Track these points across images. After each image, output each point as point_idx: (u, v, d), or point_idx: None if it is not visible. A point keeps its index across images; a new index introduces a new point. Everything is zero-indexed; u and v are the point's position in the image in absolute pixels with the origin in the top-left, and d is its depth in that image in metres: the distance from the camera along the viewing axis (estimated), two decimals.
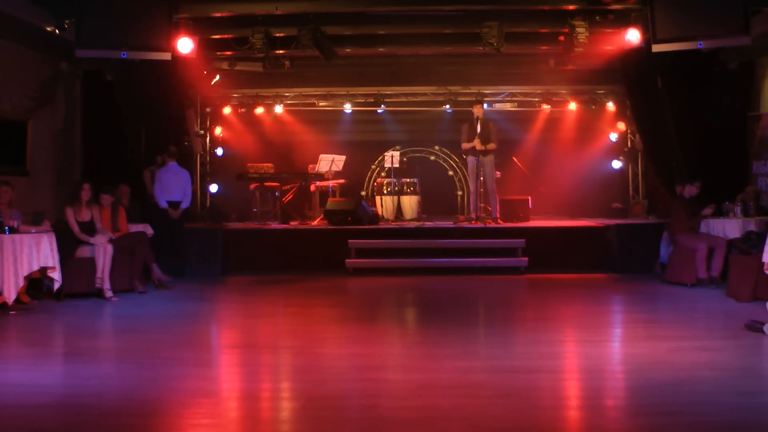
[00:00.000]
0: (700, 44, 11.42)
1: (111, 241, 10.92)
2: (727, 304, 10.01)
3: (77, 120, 14.49)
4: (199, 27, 12.73)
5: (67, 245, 10.59)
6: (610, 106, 17.84)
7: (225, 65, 15.23)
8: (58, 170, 13.89)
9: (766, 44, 12.79)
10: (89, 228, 10.90)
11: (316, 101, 18.19)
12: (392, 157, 16.34)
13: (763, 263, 9.40)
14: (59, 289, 10.31)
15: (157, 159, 13.59)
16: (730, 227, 11.60)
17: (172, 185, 12.83)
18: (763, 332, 7.79)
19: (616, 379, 6.56)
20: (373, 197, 16.96)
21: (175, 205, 12.83)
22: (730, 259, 10.86)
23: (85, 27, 11.56)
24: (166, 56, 11.83)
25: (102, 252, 10.69)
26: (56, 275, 10.09)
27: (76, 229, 10.80)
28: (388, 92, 17.56)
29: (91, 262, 10.72)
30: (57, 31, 11.72)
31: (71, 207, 10.87)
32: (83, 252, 10.83)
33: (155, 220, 12.63)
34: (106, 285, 10.69)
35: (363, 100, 18.02)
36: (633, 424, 5.25)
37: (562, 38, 12.97)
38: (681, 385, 5.96)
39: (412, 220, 15.78)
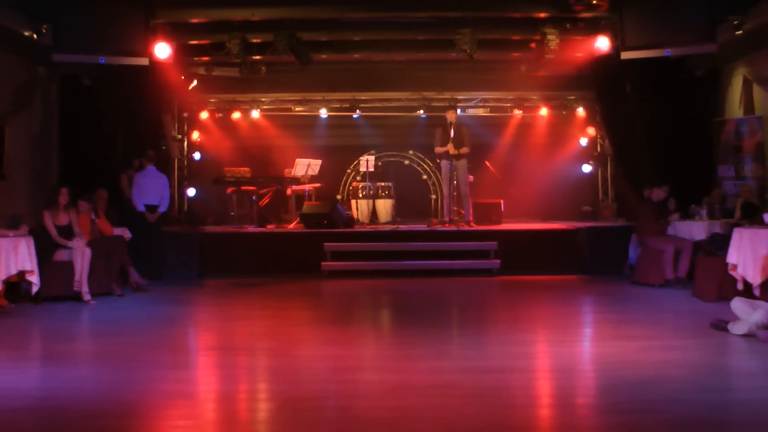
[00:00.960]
0: (668, 52, 11.54)
1: (89, 244, 10.84)
2: (693, 304, 10.09)
3: (54, 124, 14.35)
4: (176, 32, 12.68)
5: (44, 249, 10.50)
6: (581, 111, 17.96)
7: (202, 70, 15.16)
8: (35, 174, 13.74)
9: (732, 52, 12.91)
10: (67, 232, 10.80)
11: (292, 106, 18.17)
12: (367, 162, 16.36)
13: (727, 264, 9.55)
14: (37, 293, 10.22)
15: (134, 163, 13.52)
16: (696, 229, 11.69)
17: (149, 189, 12.77)
18: (728, 331, 7.85)
19: (587, 378, 6.58)
20: (349, 201, 16.96)
21: (152, 208, 12.77)
22: (696, 261, 10.96)
23: (62, 32, 11.49)
24: (144, 61, 11.78)
25: (80, 255, 10.61)
26: (34, 279, 10.02)
27: (53, 233, 10.70)
28: (363, 97, 17.57)
29: (69, 266, 10.62)
30: (34, 35, 11.59)
31: (49, 211, 10.77)
32: (61, 255, 10.73)
33: (133, 223, 12.56)
34: (84, 288, 10.61)
35: (338, 105, 18.04)
36: (603, 422, 5.28)
37: (533, 45, 13.05)
38: (650, 383, 5.99)
39: (386, 223, 15.79)
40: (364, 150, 17.86)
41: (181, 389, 6.18)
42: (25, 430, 5.21)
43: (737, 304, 7.98)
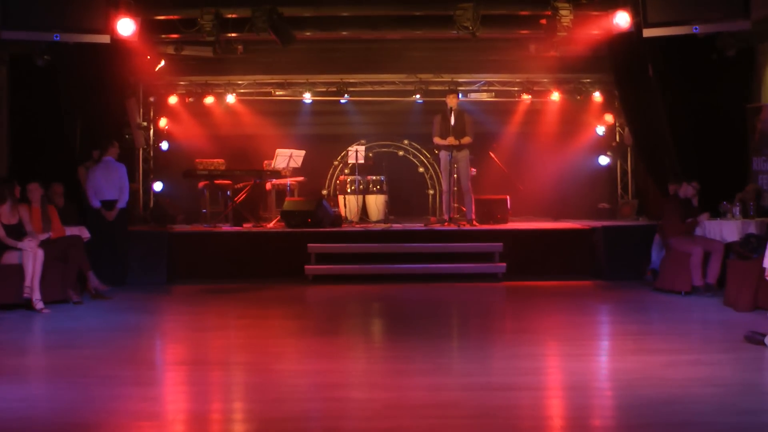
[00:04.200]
0: (696, 29, 11.52)
1: (42, 245, 10.78)
2: (724, 314, 10.11)
3: (4, 110, 14.29)
4: (141, 7, 12.64)
5: None
6: (597, 96, 17.96)
7: (171, 50, 15.11)
8: None
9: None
10: (17, 231, 10.73)
11: (272, 90, 18.14)
12: (357, 153, 16.34)
13: (763, 269, 9.52)
14: None
15: (93, 154, 13.47)
16: (728, 230, 11.69)
17: (103, 183, 12.68)
18: (764, 344, 7.86)
19: (604, 396, 6.59)
20: (336, 197, 16.94)
21: (109, 204, 12.69)
22: (728, 265, 10.95)
23: (12, 5, 11.43)
24: (105, 39, 11.73)
25: (31, 258, 10.54)
26: None
27: (1, 233, 10.64)
28: (352, 80, 17.55)
29: (18, 270, 10.55)
30: None
31: None
32: (10, 258, 10.67)
33: (91, 222, 12.52)
34: (36, 295, 10.54)
35: (324, 89, 18.00)
36: None
37: (544, 21, 13.04)
38: (674, 404, 6.00)
39: (378, 221, 15.79)
40: (353, 139, 17.82)
41: (146, 409, 6.17)
42: None
43: None
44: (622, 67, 14.35)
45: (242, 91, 18.05)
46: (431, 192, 18.31)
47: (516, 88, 18.08)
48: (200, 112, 18.36)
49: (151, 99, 17.79)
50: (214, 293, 12.45)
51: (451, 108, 14.62)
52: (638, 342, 8.58)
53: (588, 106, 18.33)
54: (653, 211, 15.45)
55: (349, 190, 16.13)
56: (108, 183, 12.74)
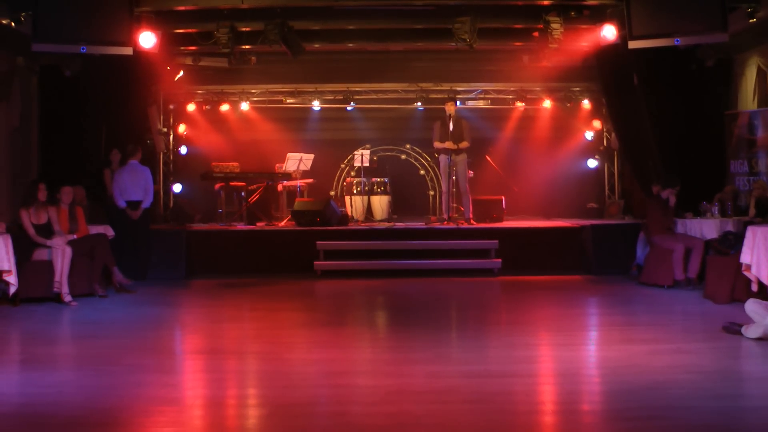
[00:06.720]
0: (677, 41, 11.49)
1: (70, 243, 10.81)
2: (704, 306, 10.11)
3: (34, 117, 14.31)
4: (161, 21, 12.64)
5: (23, 247, 10.46)
6: (586, 103, 17.93)
7: (189, 61, 15.14)
8: (14, 170, 13.71)
9: (744, 41, 12.92)
10: (46, 230, 10.76)
11: (283, 98, 18.13)
12: (362, 156, 16.33)
13: (740, 264, 9.55)
14: (15, 294, 10.21)
15: (111, 157, 13.49)
16: (708, 228, 11.69)
17: (128, 184, 12.74)
18: (741, 334, 7.87)
19: (592, 383, 6.60)
20: (343, 197, 16.94)
21: (134, 205, 12.74)
22: (708, 260, 10.96)
23: (42, 20, 11.41)
24: (128, 51, 11.72)
25: (60, 254, 10.57)
26: (12, 279, 10.00)
27: (31, 231, 10.63)
28: (357, 89, 17.54)
29: (48, 265, 10.59)
30: (12, 24, 11.55)
31: (25, 209, 10.70)
32: (40, 254, 10.69)
33: (116, 221, 12.54)
34: (65, 289, 10.57)
35: (332, 97, 18.00)
36: (609, 428, 5.30)
37: (536, 34, 13.02)
38: (657, 389, 6.00)
39: (382, 220, 15.77)
40: (358, 144, 17.79)
41: (166, 395, 6.19)
42: None
43: (752, 306, 7.99)
44: (609, 76, 14.35)
45: (255, 99, 18.04)
46: (431, 193, 18.31)
47: (510, 96, 18.06)
48: (216, 119, 18.37)
49: (171, 106, 17.79)
50: (229, 287, 12.45)
51: (449, 115, 14.63)
52: (624, 332, 8.59)
53: (577, 113, 18.29)
54: (638, 210, 15.45)
55: (355, 191, 16.12)
56: (133, 185, 12.78)
